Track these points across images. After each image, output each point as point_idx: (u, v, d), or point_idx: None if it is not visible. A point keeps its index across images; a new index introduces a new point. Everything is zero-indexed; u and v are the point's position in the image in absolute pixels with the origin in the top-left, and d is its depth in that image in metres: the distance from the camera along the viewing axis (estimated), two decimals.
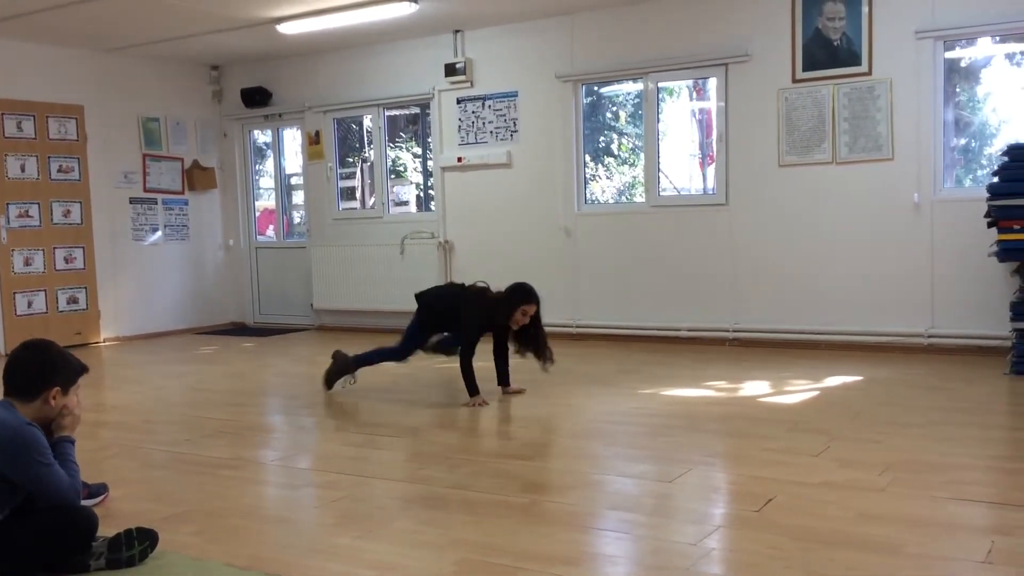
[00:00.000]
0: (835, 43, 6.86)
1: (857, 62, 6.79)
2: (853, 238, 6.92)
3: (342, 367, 5.87)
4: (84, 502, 3.21)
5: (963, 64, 6.94)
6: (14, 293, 8.32)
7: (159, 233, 9.55)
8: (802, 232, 7.11)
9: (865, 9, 6.73)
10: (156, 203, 9.51)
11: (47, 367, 3.04)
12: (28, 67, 8.39)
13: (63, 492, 2.89)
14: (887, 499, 3.38)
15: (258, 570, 2.87)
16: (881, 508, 3.28)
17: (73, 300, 8.76)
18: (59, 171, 8.64)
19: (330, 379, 5.89)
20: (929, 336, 6.70)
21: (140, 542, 2.93)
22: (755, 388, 5.65)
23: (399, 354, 5.88)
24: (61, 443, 3.03)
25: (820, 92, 6.94)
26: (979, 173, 6.91)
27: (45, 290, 8.55)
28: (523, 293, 5.48)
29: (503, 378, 5.70)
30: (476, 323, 5.49)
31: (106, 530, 2.98)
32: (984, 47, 6.83)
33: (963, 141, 7.14)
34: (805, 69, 6.98)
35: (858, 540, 2.96)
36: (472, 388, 5.38)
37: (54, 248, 8.61)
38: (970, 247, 6.45)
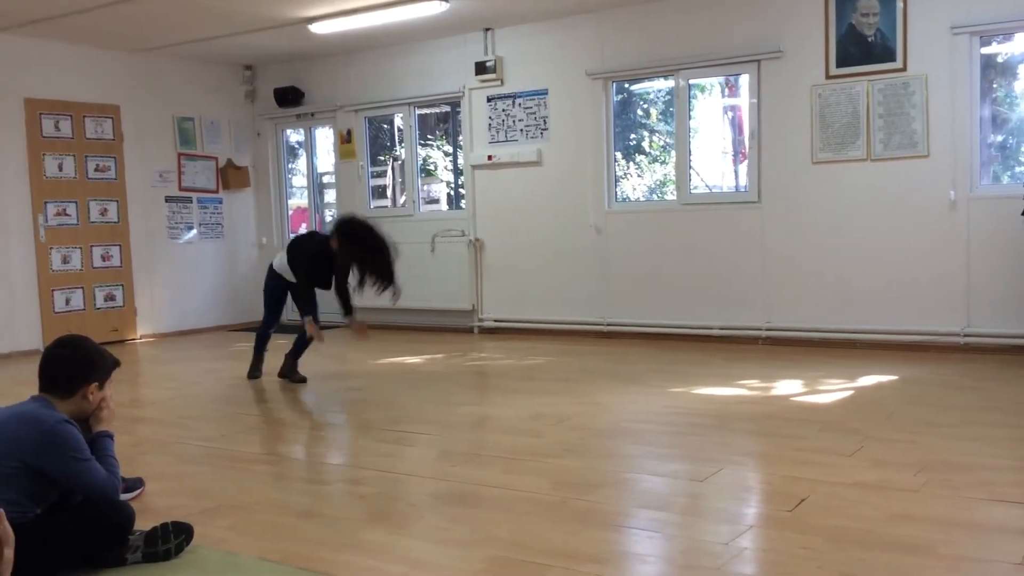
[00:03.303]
0: (869, 39, 6.79)
1: (892, 58, 6.72)
2: (888, 236, 6.85)
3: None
4: (121, 496, 3.26)
5: (1000, 60, 6.85)
6: (52, 290, 8.46)
7: (194, 231, 9.66)
8: (836, 230, 7.05)
9: (900, 4, 6.66)
10: (191, 202, 9.62)
11: (84, 363, 3.07)
12: (65, 68, 8.52)
13: (100, 486, 2.93)
14: (921, 499, 3.35)
15: (290, 564, 2.90)
16: (914, 509, 3.25)
17: (110, 297, 8.89)
18: (96, 170, 8.77)
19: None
20: (965, 335, 6.61)
21: (176, 536, 2.97)
22: (788, 387, 5.61)
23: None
24: (100, 438, 3.07)
25: (854, 88, 6.87)
26: (1016, 170, 6.81)
27: (82, 287, 8.68)
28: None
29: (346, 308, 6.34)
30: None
31: (142, 524, 3.02)
32: (1021, 42, 6.72)
33: (1000, 138, 7.04)
34: (839, 65, 6.91)
35: (891, 541, 2.93)
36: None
37: (91, 246, 8.74)
38: (1007, 245, 6.36)
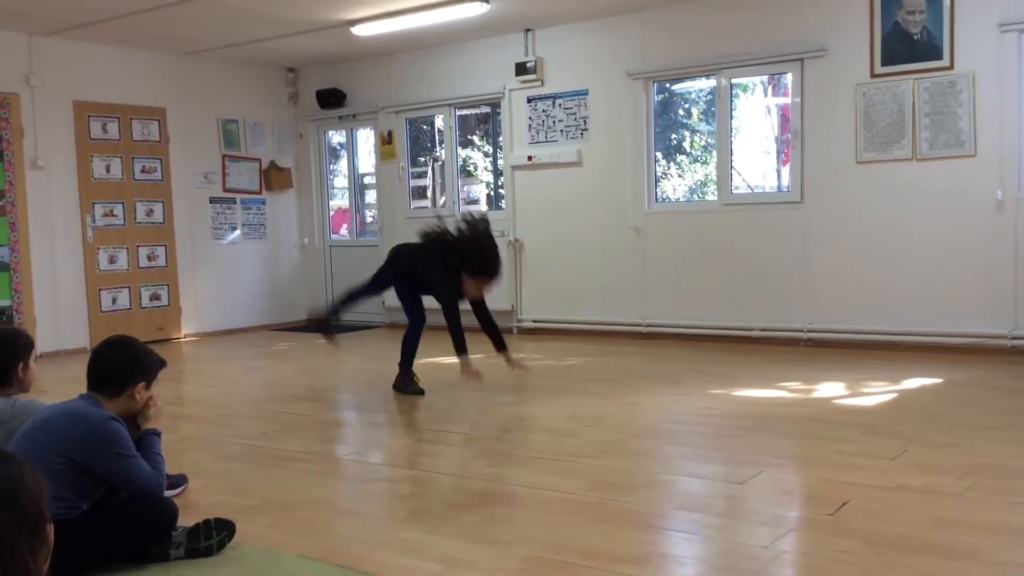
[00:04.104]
0: (915, 37, 6.69)
1: (938, 56, 6.61)
2: (933, 236, 6.74)
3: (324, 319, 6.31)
4: (164, 493, 3.31)
5: None
6: (99, 290, 8.62)
7: (237, 232, 9.79)
8: (880, 230, 6.95)
9: (947, 2, 6.54)
10: (235, 203, 9.75)
11: (132, 364, 3.13)
12: (113, 71, 8.67)
13: (145, 482, 2.98)
14: (965, 504, 3.29)
15: (329, 562, 2.93)
16: (958, 513, 3.20)
17: (155, 297, 9.04)
18: (142, 171, 8.92)
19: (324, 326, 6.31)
20: (1013, 338, 6.48)
21: (218, 532, 3.01)
22: (830, 389, 5.55)
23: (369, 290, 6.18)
24: (147, 436, 3.13)
25: (900, 87, 6.77)
26: None
27: (129, 287, 8.84)
28: (483, 264, 5.55)
29: (498, 344, 5.94)
30: (446, 292, 5.69)
31: (185, 520, 3.07)
32: None
33: None
34: (884, 63, 6.82)
35: (934, 546, 2.89)
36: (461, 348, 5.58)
37: (137, 246, 8.89)
38: None
